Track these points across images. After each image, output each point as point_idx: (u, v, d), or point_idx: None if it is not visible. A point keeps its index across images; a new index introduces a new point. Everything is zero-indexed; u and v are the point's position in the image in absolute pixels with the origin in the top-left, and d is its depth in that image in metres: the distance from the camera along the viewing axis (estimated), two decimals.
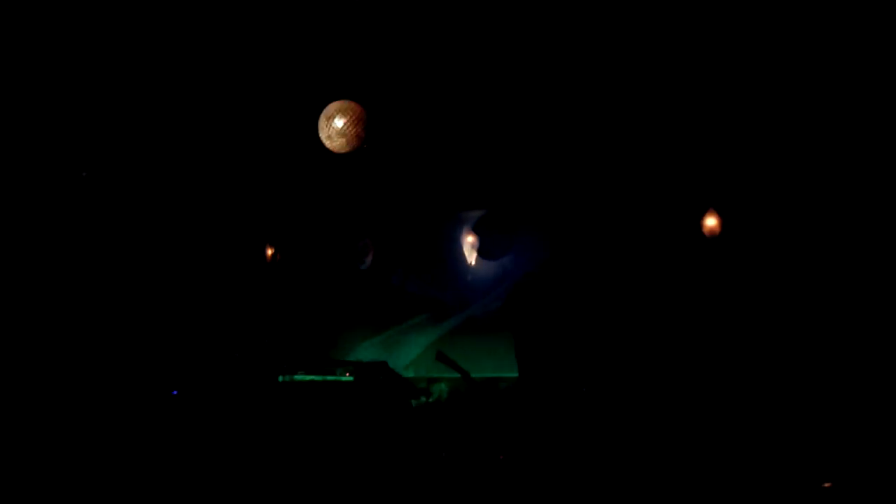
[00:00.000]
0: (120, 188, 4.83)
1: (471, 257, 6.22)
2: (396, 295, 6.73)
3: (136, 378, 4.65)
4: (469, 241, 6.14)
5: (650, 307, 5.78)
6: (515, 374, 6.01)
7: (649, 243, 5.80)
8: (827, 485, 3.93)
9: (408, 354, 6.59)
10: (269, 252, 6.21)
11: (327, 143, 4.38)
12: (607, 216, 5.90)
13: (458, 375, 6.09)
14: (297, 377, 5.51)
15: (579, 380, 5.14)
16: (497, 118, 5.44)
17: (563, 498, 4.46)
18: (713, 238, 5.83)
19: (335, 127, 4.19)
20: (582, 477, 4.63)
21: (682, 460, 4.57)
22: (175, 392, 5.14)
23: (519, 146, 5.72)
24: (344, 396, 5.68)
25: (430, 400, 6.08)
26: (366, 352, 6.58)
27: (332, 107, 4.17)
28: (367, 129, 4.37)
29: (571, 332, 5.25)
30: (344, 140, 4.21)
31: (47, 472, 2.99)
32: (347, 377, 5.81)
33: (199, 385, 4.94)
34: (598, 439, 5.19)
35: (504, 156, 5.82)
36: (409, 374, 6.42)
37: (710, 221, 5.79)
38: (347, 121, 4.24)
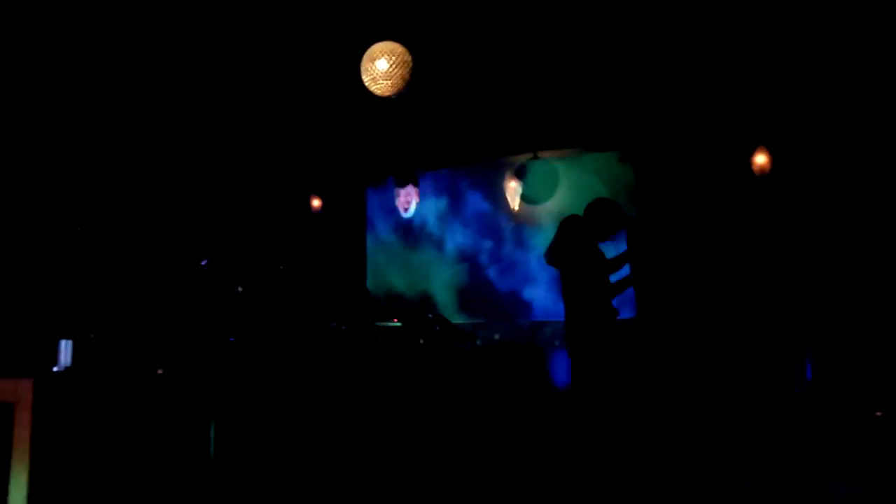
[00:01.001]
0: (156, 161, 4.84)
1: (514, 203, 6.17)
2: (440, 241, 6.75)
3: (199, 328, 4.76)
4: (512, 186, 6.08)
5: (699, 246, 5.70)
6: (557, 318, 6.04)
7: (698, 181, 5.68)
8: (879, 413, 3.87)
9: (455, 300, 6.64)
10: (316, 203, 6.25)
11: (371, 86, 4.32)
12: (653, 155, 5.79)
13: (504, 320, 6.16)
14: (350, 324, 5.61)
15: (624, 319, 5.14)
16: (539, 58, 5.32)
17: (616, 437, 4.49)
18: (763, 176, 5.69)
19: (380, 69, 4.13)
20: (633, 419, 4.66)
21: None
22: (232, 339, 5.29)
23: (561, 86, 5.60)
24: (393, 341, 5.79)
25: (475, 344, 6.15)
26: (415, 299, 6.66)
27: (377, 48, 4.10)
28: (411, 72, 4.30)
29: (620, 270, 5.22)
30: (389, 83, 4.16)
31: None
32: (395, 323, 5.90)
33: (266, 333, 5.05)
34: (647, 379, 5.20)
35: (546, 98, 5.72)
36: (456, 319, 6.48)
37: (760, 159, 5.64)
38: (393, 62, 4.17)
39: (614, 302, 5.04)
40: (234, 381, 4.58)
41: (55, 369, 2.53)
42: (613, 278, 4.92)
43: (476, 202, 6.68)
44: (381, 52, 4.17)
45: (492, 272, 6.60)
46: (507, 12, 4.86)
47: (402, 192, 6.58)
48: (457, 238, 6.75)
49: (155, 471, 2.75)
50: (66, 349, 2.56)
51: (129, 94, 4.71)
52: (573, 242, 4.99)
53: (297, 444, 4.45)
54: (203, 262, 4.26)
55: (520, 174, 6.14)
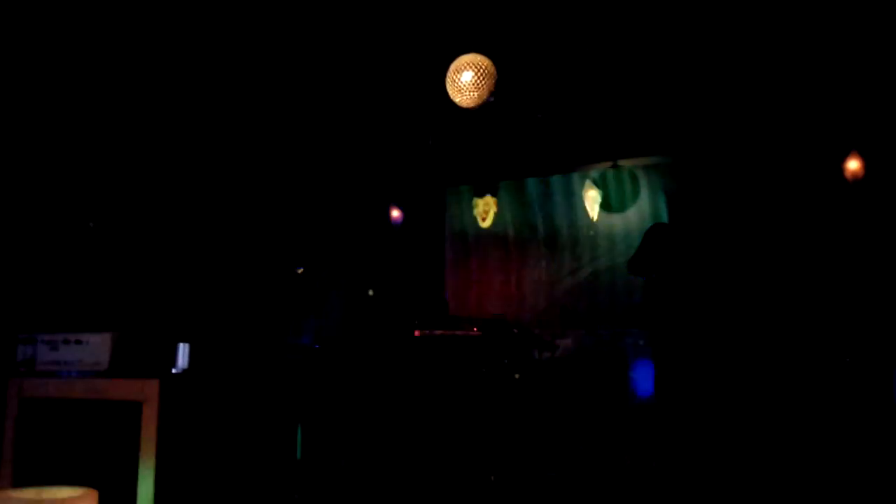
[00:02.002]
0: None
1: (593, 211, 6.13)
2: (519, 250, 6.76)
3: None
4: (591, 195, 6.05)
5: (789, 254, 5.53)
6: (640, 328, 5.95)
7: (788, 187, 5.52)
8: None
9: (532, 309, 6.63)
10: (395, 213, 6.37)
11: (456, 97, 4.39)
12: (741, 160, 5.65)
13: (583, 330, 6.09)
14: (429, 332, 5.68)
15: (715, 330, 5.02)
16: (617, 66, 5.30)
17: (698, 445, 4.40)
18: (856, 182, 5.49)
19: (466, 81, 4.20)
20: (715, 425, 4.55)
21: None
22: (317, 346, 5.45)
23: (639, 93, 5.55)
24: (471, 350, 5.82)
25: (556, 354, 6.11)
26: (491, 307, 6.67)
27: (463, 60, 4.17)
28: (495, 84, 4.36)
29: (706, 281, 5.11)
30: (475, 94, 4.22)
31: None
32: (475, 332, 5.93)
33: (343, 340, 5.19)
34: (730, 389, 5.07)
35: (626, 104, 5.68)
36: (534, 329, 6.46)
37: (853, 164, 5.44)
38: (478, 75, 4.24)
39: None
40: (320, 386, 4.72)
41: (174, 371, 2.68)
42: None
43: (554, 211, 6.66)
44: (467, 64, 4.25)
45: (570, 281, 6.56)
46: (588, 21, 4.87)
47: (481, 201, 6.64)
48: (533, 247, 6.75)
49: (254, 468, 2.87)
50: (183, 352, 2.70)
51: (231, 109, 4.94)
52: (660, 251, 4.93)
53: (378, 449, 4.55)
54: (299, 269, 4.43)
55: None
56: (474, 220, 6.80)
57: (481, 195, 6.63)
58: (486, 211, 6.62)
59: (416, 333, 5.83)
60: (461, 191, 6.96)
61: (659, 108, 5.58)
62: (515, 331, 5.85)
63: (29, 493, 2.27)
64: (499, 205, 6.65)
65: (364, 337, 5.32)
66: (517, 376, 5.10)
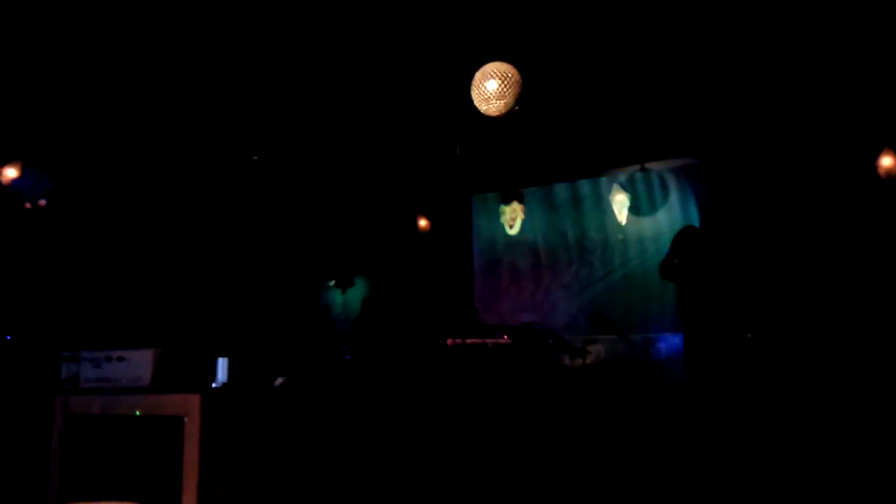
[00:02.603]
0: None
1: (621, 216, 6.09)
2: (548, 256, 6.74)
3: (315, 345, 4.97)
4: (619, 199, 6.01)
5: (823, 253, 5.44)
6: (672, 333, 5.89)
7: (820, 186, 5.43)
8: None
9: (562, 315, 6.60)
10: (423, 223, 6.40)
11: (482, 106, 4.38)
12: (772, 160, 5.58)
13: (615, 336, 6.04)
14: (458, 341, 5.67)
15: (745, 331, 4.95)
16: (642, 68, 5.26)
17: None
18: (890, 179, 5.38)
19: (492, 89, 4.20)
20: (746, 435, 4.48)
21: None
22: (348, 356, 5.48)
23: (666, 94, 5.51)
24: (502, 358, 5.81)
25: (587, 361, 6.06)
26: (520, 314, 6.66)
27: (489, 69, 4.17)
28: (521, 92, 4.35)
29: (739, 283, 5.05)
30: (502, 102, 4.22)
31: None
32: (504, 340, 5.92)
33: (373, 350, 5.21)
34: (766, 393, 4.99)
35: (652, 106, 5.64)
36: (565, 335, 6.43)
37: (887, 161, 5.34)
38: (504, 83, 4.23)
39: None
40: (352, 395, 4.74)
41: (214, 385, 2.72)
42: None
43: (582, 216, 6.63)
44: (493, 72, 4.25)
45: (600, 287, 6.52)
46: (614, 25, 4.85)
47: (508, 208, 6.64)
48: (562, 253, 6.73)
49: (295, 478, 2.89)
50: (222, 366, 2.74)
51: (262, 132, 5.03)
52: (692, 254, 4.88)
53: (412, 456, 4.54)
54: (330, 283, 4.48)
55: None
56: (502, 227, 6.80)
57: (508, 202, 6.63)
58: (513, 218, 6.62)
59: (446, 342, 5.83)
60: (488, 198, 6.97)
61: (686, 109, 5.53)
62: (546, 339, 5.82)
63: None
64: (526, 211, 6.64)
65: (394, 347, 5.34)
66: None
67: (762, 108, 5.45)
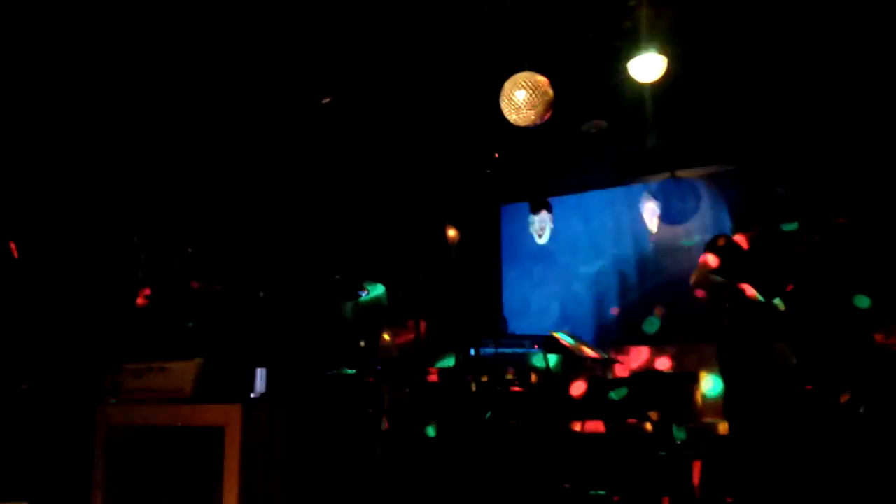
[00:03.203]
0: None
1: (652, 224, 6.04)
2: (577, 266, 6.71)
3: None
4: (650, 207, 5.97)
5: (858, 261, 5.33)
6: (705, 343, 5.81)
7: (854, 191, 5.33)
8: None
9: (593, 326, 6.57)
10: (452, 234, 6.40)
11: (511, 116, 4.37)
12: (805, 166, 5.49)
13: (647, 345, 6.00)
14: (484, 350, 5.68)
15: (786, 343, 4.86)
16: (672, 73, 5.24)
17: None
18: None
19: (523, 99, 4.20)
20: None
21: None
22: (378, 367, 5.50)
23: (697, 101, 5.47)
24: (532, 367, 5.79)
25: (617, 371, 6.02)
26: (550, 324, 6.63)
27: (519, 78, 4.18)
28: (552, 102, 4.34)
29: (774, 292, 4.97)
30: (532, 112, 4.22)
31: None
32: (535, 350, 5.90)
33: (403, 359, 5.23)
34: (802, 404, 4.89)
35: (683, 113, 5.59)
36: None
37: None
38: (534, 93, 4.23)
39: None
40: (385, 405, 4.76)
41: (252, 395, 2.76)
42: None
43: (612, 225, 6.60)
44: (522, 82, 4.25)
45: (632, 296, 6.47)
46: (643, 30, 4.84)
47: (537, 218, 6.63)
48: (592, 263, 6.69)
49: (333, 487, 2.91)
50: (260, 377, 2.78)
51: (294, 143, 5.11)
52: (724, 263, 4.82)
53: (444, 464, 4.54)
54: (362, 293, 4.51)
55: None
56: (531, 236, 6.79)
57: (537, 211, 6.62)
58: (542, 227, 6.61)
59: (475, 351, 5.83)
60: (517, 207, 6.97)
61: (718, 115, 5.48)
62: (573, 347, 5.79)
63: None
64: (555, 220, 6.62)
65: (423, 355, 5.35)
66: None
67: (796, 114, 5.38)
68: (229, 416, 2.51)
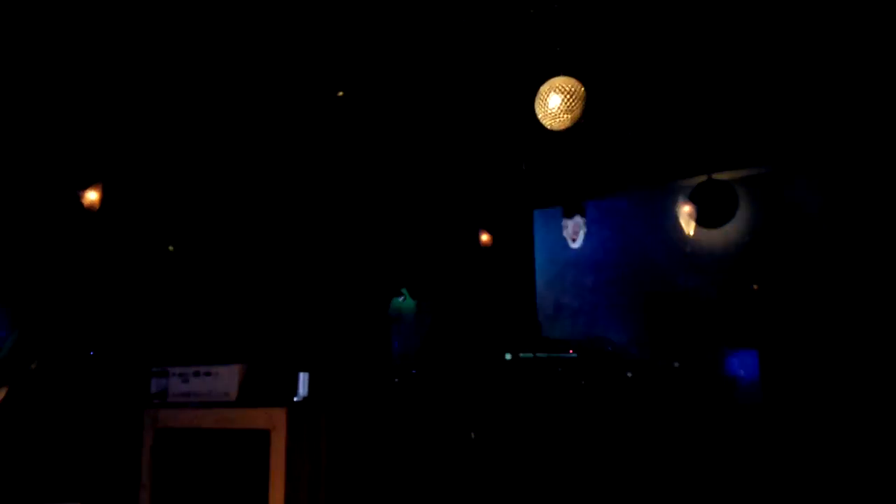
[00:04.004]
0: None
1: (688, 228, 5.96)
2: (612, 270, 6.65)
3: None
4: (686, 210, 5.89)
5: None
6: (745, 349, 5.71)
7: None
8: None
9: (629, 330, 6.50)
10: (485, 238, 6.42)
11: (545, 121, 4.36)
12: (845, 167, 5.38)
13: (683, 350, 5.90)
14: (523, 355, 5.66)
15: (829, 346, 4.77)
16: (708, 73, 5.17)
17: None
18: None
19: (559, 104, 4.19)
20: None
21: None
22: (414, 371, 5.53)
23: (733, 101, 5.38)
24: (568, 372, 5.75)
25: (655, 376, 5.94)
26: (584, 329, 6.59)
27: (555, 83, 4.17)
28: (584, 106, 4.32)
29: (816, 295, 4.89)
30: (568, 117, 4.21)
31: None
32: (570, 354, 5.87)
33: (438, 364, 5.25)
34: (847, 410, 4.78)
35: (719, 114, 5.51)
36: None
37: None
38: (568, 98, 4.23)
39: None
40: (421, 409, 4.78)
41: (295, 399, 2.79)
42: None
43: (647, 229, 6.53)
44: (557, 87, 4.25)
45: (668, 300, 6.39)
46: (678, 29, 4.79)
47: (571, 222, 6.59)
48: (627, 267, 6.63)
49: (370, 486, 2.92)
50: (303, 381, 2.81)
51: (329, 150, 5.16)
52: (764, 267, 4.75)
53: (480, 468, 4.54)
54: (399, 299, 4.55)
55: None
56: (564, 241, 6.76)
57: (570, 216, 6.59)
58: (575, 231, 6.57)
59: (511, 356, 5.82)
60: (550, 212, 6.94)
61: (755, 115, 5.39)
62: (612, 354, 5.74)
63: None
64: (588, 225, 6.58)
65: (459, 361, 5.36)
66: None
67: (836, 114, 5.28)
68: (275, 420, 2.54)
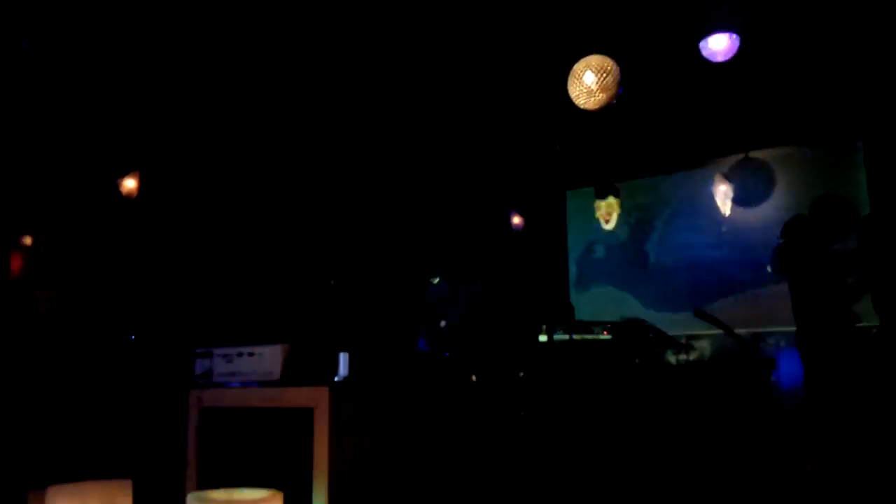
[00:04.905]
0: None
1: (724, 207, 5.88)
2: (646, 250, 6.60)
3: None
4: (722, 189, 5.80)
5: None
6: (783, 328, 5.63)
7: None
8: None
9: (664, 311, 6.44)
10: (516, 220, 6.40)
11: (581, 100, 4.32)
12: (886, 146, 5.25)
13: (721, 332, 5.84)
14: (557, 336, 5.64)
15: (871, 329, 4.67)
16: (744, 50, 5.06)
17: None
18: None
19: (593, 82, 4.15)
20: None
21: None
22: (447, 353, 5.55)
23: (771, 78, 5.27)
24: (602, 355, 5.73)
25: (691, 358, 5.89)
26: (619, 310, 6.55)
27: (591, 62, 4.13)
28: (619, 85, 4.27)
29: (854, 273, 4.78)
30: (605, 96, 4.17)
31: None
32: (605, 336, 5.84)
33: (472, 347, 5.27)
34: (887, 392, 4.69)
35: (757, 91, 5.40)
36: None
37: None
38: (603, 76, 4.18)
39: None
40: (455, 391, 4.81)
41: (336, 378, 2.83)
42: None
43: (682, 209, 6.46)
44: (592, 65, 4.20)
45: (704, 281, 6.32)
46: (712, 10, 4.69)
47: (604, 203, 6.54)
48: (662, 247, 6.57)
49: (409, 462, 2.97)
50: (343, 361, 2.85)
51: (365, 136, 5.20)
52: (802, 246, 4.67)
53: (521, 452, 4.56)
54: (434, 280, 4.57)
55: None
56: (597, 222, 6.71)
57: (604, 197, 6.53)
58: (609, 213, 6.52)
59: (545, 338, 5.81)
60: (583, 193, 6.89)
61: (794, 93, 5.28)
62: (648, 335, 5.70)
63: (221, 494, 2.47)
64: (622, 205, 6.53)
65: (492, 343, 5.37)
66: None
67: (879, 91, 5.14)
68: (318, 398, 2.59)
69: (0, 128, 3.58)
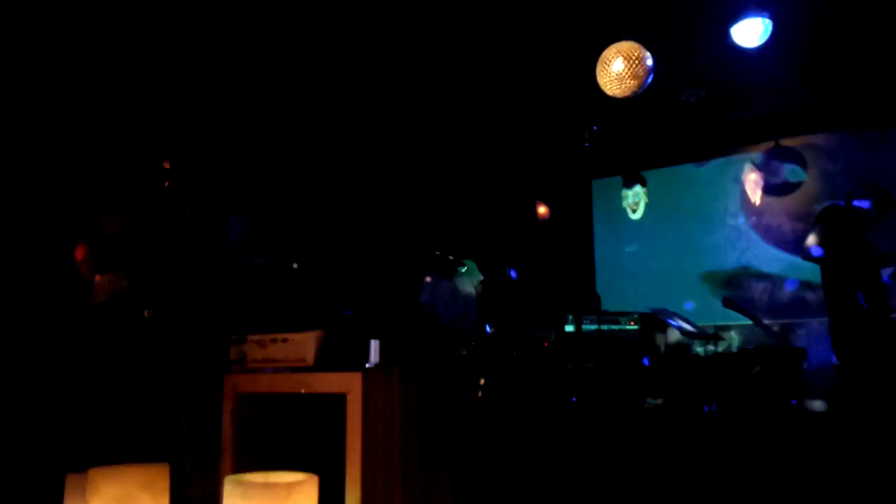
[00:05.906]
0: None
1: (755, 196, 5.81)
2: (673, 240, 6.54)
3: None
4: (752, 178, 5.73)
5: None
6: (813, 319, 5.57)
7: None
8: None
9: (692, 301, 6.40)
10: (542, 210, 6.38)
11: (610, 87, 4.28)
12: None
13: (749, 322, 5.79)
14: (585, 327, 5.65)
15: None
16: (773, 37, 4.98)
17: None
18: None
19: (626, 69, 4.11)
20: None
21: None
22: (473, 343, 5.58)
23: (802, 64, 5.18)
24: (628, 345, 5.72)
25: (720, 349, 5.86)
26: (645, 300, 6.51)
27: (622, 48, 4.09)
28: (649, 72, 4.23)
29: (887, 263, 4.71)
30: (635, 82, 4.13)
31: None
32: (632, 326, 5.83)
33: (498, 337, 5.30)
34: None
35: (788, 77, 5.31)
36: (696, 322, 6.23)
37: None
38: (635, 62, 4.14)
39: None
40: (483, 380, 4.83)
41: (367, 365, 2.86)
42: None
43: (711, 198, 6.38)
44: (622, 52, 4.16)
45: (733, 271, 6.26)
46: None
47: (630, 192, 6.50)
48: (690, 237, 6.51)
49: (439, 447, 2.99)
50: (374, 348, 2.88)
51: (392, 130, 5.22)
52: (836, 235, 4.60)
53: (544, 440, 4.58)
54: (463, 269, 4.59)
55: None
56: (624, 211, 6.66)
57: (630, 186, 6.48)
58: (636, 202, 6.47)
59: (571, 328, 5.81)
60: (609, 182, 6.85)
61: (828, 78, 5.18)
62: (675, 325, 5.67)
63: (257, 477, 2.51)
64: (649, 195, 6.47)
65: (517, 333, 5.39)
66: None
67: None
68: (351, 384, 2.62)
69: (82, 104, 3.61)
